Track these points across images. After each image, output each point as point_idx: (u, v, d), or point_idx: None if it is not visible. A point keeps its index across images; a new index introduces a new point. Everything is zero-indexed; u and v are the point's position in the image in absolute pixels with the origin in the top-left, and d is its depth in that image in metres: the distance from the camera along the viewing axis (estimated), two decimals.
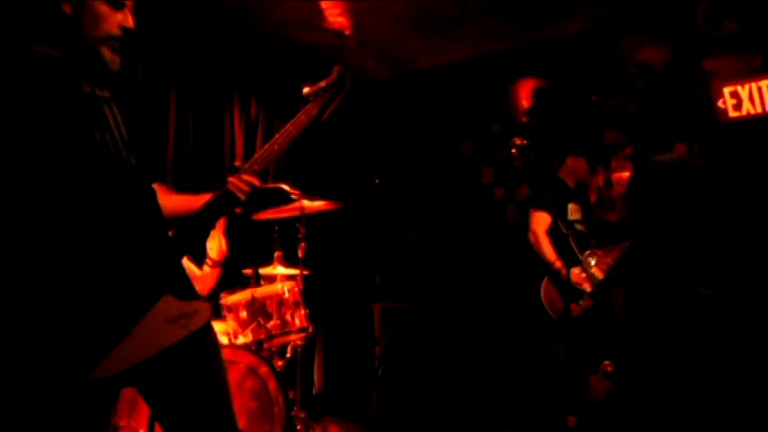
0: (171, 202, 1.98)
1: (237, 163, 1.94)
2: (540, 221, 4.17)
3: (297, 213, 3.84)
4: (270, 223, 3.95)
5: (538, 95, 5.24)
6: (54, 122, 1.67)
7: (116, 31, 1.79)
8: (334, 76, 2.14)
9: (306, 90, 2.10)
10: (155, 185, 1.97)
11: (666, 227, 2.60)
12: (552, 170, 4.58)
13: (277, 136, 1.98)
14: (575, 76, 5.03)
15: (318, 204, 3.86)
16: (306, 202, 3.78)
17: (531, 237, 4.18)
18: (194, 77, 4.80)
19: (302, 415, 3.69)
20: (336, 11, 4.73)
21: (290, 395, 3.52)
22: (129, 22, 1.81)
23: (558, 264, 4.04)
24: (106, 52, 1.80)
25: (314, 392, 5.49)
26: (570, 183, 4.53)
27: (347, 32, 5.08)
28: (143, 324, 1.64)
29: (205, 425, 1.75)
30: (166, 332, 1.67)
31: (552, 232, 4.12)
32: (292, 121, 2.02)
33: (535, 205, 4.24)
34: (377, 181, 5.79)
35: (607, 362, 3.30)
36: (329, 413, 4.94)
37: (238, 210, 1.89)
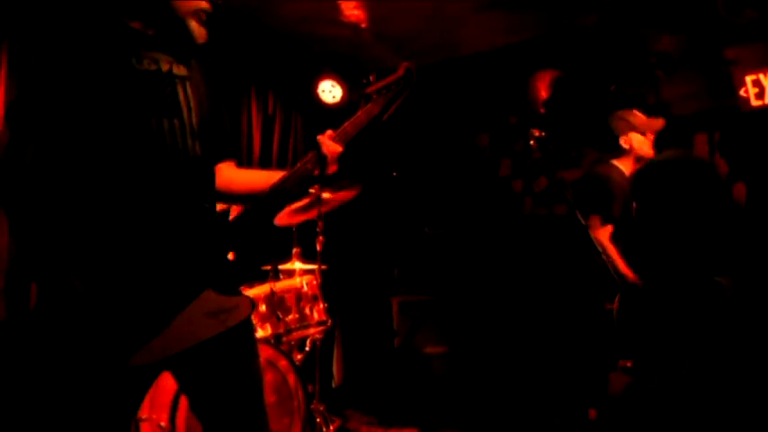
0: (242, 177, 1.99)
1: None
2: (599, 229, 3.56)
3: (315, 213, 3.83)
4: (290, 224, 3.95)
5: (556, 86, 5.19)
6: (118, 108, 1.67)
7: (204, 5, 1.82)
8: (400, 72, 2.01)
9: (369, 88, 2.00)
10: (226, 163, 1.98)
11: (673, 221, 2.58)
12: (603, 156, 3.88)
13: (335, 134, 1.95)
14: (593, 67, 4.97)
15: (336, 192, 3.85)
16: (325, 195, 3.78)
17: (597, 247, 3.52)
18: (211, 68, 4.80)
19: (321, 408, 3.70)
20: (353, 4, 4.72)
21: (310, 388, 3.54)
22: None
23: (633, 277, 3.40)
24: (194, 25, 1.82)
25: (333, 386, 5.51)
26: (629, 166, 3.73)
27: (364, 26, 5.07)
28: (182, 316, 1.64)
29: (238, 418, 1.77)
30: (204, 326, 1.68)
31: (618, 237, 3.54)
32: (351, 120, 1.96)
33: (594, 211, 3.58)
34: (394, 174, 5.78)
35: (626, 360, 3.28)
36: (348, 406, 4.96)
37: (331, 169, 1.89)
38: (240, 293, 1.79)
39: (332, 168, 1.93)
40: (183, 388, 1.85)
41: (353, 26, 5.07)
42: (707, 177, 2.62)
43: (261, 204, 1.84)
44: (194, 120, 1.81)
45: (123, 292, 1.60)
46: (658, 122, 3.74)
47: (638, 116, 3.74)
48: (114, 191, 1.66)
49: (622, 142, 3.70)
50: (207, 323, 1.68)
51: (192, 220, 1.73)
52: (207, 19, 1.85)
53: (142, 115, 1.70)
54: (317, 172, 1.90)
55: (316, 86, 5.41)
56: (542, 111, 5.26)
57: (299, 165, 1.90)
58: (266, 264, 3.88)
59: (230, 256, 1.77)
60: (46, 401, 1.65)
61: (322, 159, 1.89)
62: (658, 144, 3.78)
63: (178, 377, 1.82)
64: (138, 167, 1.68)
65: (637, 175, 3.48)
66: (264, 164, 5.22)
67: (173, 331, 1.63)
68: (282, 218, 3.75)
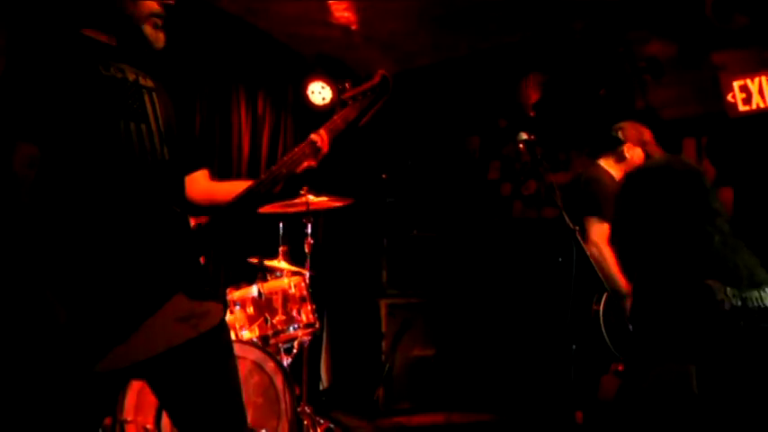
0: (225, 188, 1.98)
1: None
2: (599, 232, 3.46)
3: (303, 209, 3.83)
4: (276, 219, 3.93)
5: (545, 90, 5.21)
6: (87, 110, 1.66)
7: (157, 9, 1.80)
8: (377, 80, 2.01)
9: (345, 93, 2.00)
10: (201, 171, 1.99)
11: (649, 231, 2.59)
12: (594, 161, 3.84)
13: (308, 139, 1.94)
14: (582, 70, 4.99)
15: (326, 201, 3.85)
16: (312, 198, 3.77)
17: (592, 250, 3.35)
18: (201, 73, 4.79)
19: (309, 410, 3.69)
20: (342, 5, 4.72)
21: (297, 391, 3.52)
22: None
23: (626, 287, 3.35)
24: (149, 30, 1.80)
25: (321, 388, 5.49)
26: (620, 172, 3.66)
27: (354, 27, 5.07)
28: (152, 321, 1.62)
29: (215, 424, 1.75)
30: (175, 331, 1.66)
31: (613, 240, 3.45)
32: (327, 124, 1.95)
33: (589, 212, 3.54)
34: (384, 176, 5.78)
35: (618, 363, 3.28)
36: (336, 408, 4.94)
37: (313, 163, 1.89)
38: (212, 298, 1.77)
39: (316, 163, 1.93)
40: (158, 394, 1.83)
41: (343, 27, 5.06)
42: (692, 184, 2.63)
43: (242, 200, 1.82)
44: (162, 126, 1.81)
45: (92, 297, 1.58)
46: (658, 149, 3.76)
47: (646, 134, 3.75)
48: (84, 192, 1.65)
49: (626, 149, 3.69)
50: (177, 328, 1.66)
51: (162, 222, 1.71)
52: (163, 24, 1.83)
53: (110, 117, 1.69)
54: (310, 156, 1.89)
55: (305, 88, 5.40)
56: (532, 114, 5.27)
57: (293, 151, 1.89)
58: (251, 257, 3.85)
59: (201, 259, 1.76)
60: (11, 406, 1.62)
61: (314, 145, 1.90)
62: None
63: (152, 384, 1.80)
64: (107, 169, 1.67)
65: (624, 180, 3.49)
66: (253, 165, 5.21)
67: (142, 336, 1.61)
68: (268, 207, 3.71)
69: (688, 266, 2.44)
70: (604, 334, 3.39)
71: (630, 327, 3.23)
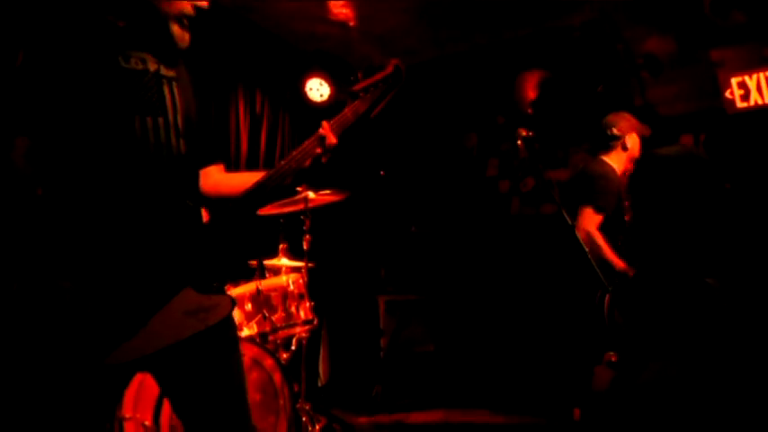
0: (232, 180, 1.98)
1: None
2: (592, 220, 3.62)
3: (302, 206, 3.83)
4: (275, 216, 3.94)
5: (543, 87, 5.21)
6: (102, 106, 1.66)
7: (188, 10, 1.82)
8: (389, 69, 1.96)
9: (356, 85, 1.95)
10: (216, 165, 1.99)
11: (670, 218, 2.60)
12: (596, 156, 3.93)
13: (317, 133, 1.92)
14: (580, 67, 4.99)
15: (323, 195, 3.85)
16: (311, 194, 3.77)
17: (582, 235, 3.42)
18: (198, 71, 4.78)
19: (307, 407, 3.69)
20: (341, 2, 4.71)
21: (295, 387, 3.52)
22: (204, 1, 1.84)
23: (622, 264, 3.51)
24: (176, 28, 1.80)
25: (319, 385, 5.50)
26: (622, 164, 3.86)
27: (352, 24, 5.06)
28: (161, 315, 1.63)
29: (219, 418, 1.75)
30: (183, 325, 1.67)
31: (609, 232, 3.62)
32: (337, 117, 1.92)
33: (586, 201, 3.67)
34: (382, 173, 5.77)
35: (611, 352, 3.30)
36: (335, 405, 4.94)
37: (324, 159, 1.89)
38: (220, 291, 1.77)
39: (325, 158, 1.92)
40: (164, 388, 1.83)
41: (342, 24, 5.05)
42: (706, 176, 2.64)
43: (250, 195, 1.82)
44: (180, 119, 1.80)
45: (103, 291, 1.58)
46: (648, 130, 3.90)
47: (633, 119, 3.89)
48: (96, 188, 1.65)
49: (626, 140, 3.82)
50: (186, 322, 1.66)
51: (173, 217, 1.72)
52: (190, 23, 1.84)
53: (125, 113, 1.69)
54: (319, 150, 1.88)
55: (303, 85, 5.39)
56: (530, 111, 5.27)
57: (303, 145, 1.88)
58: (252, 259, 3.86)
59: (212, 253, 1.75)
60: (21, 400, 1.62)
61: (323, 139, 1.87)
62: (645, 144, 3.84)
63: (158, 377, 1.80)
64: (119, 165, 1.67)
65: (637, 167, 3.52)
66: (252, 162, 5.20)
67: (151, 330, 1.61)
68: (267, 207, 3.73)
69: (694, 258, 2.45)
70: (608, 324, 3.42)
71: (628, 318, 3.26)
